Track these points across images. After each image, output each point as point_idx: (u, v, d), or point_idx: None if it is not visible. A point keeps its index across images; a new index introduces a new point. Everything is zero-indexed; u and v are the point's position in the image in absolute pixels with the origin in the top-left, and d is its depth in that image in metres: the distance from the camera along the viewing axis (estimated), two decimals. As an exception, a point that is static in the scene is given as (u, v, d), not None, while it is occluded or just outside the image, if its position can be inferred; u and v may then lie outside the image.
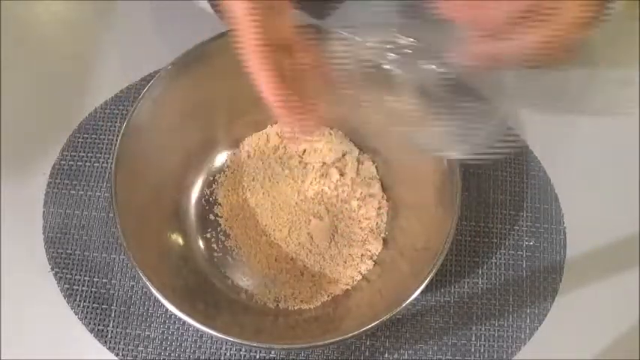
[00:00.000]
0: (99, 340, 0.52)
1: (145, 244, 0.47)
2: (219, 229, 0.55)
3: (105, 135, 0.59)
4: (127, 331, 0.52)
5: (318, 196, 0.55)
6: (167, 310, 0.44)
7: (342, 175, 0.55)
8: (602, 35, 0.40)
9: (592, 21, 0.34)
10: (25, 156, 0.59)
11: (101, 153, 0.58)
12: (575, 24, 0.34)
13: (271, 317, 0.51)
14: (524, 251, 0.55)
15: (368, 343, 0.52)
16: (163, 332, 0.52)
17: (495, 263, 0.55)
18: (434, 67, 0.40)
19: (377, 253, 0.53)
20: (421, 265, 0.46)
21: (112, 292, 0.54)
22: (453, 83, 0.39)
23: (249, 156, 0.57)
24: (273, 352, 0.52)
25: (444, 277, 0.54)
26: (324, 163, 0.55)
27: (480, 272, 0.54)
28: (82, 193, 0.57)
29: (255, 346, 0.50)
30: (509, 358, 0.52)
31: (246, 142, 0.57)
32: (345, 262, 0.53)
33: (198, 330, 0.48)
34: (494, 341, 0.52)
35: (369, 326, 0.43)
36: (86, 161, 0.58)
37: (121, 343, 0.52)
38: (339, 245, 0.53)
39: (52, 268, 0.54)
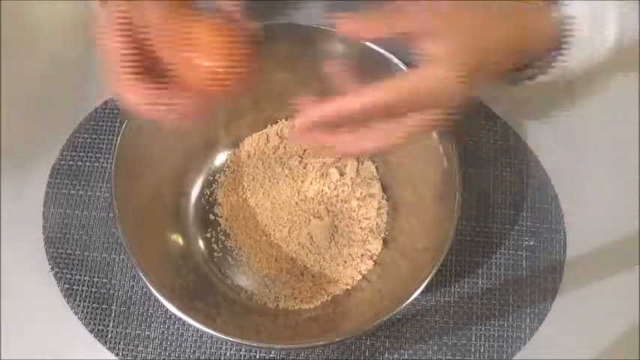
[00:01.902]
0: (99, 340, 0.52)
1: (145, 244, 0.47)
2: (219, 229, 0.55)
3: (105, 135, 0.59)
4: (127, 331, 0.52)
5: (318, 196, 0.55)
6: (167, 310, 0.44)
7: (342, 175, 0.55)
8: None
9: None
10: (25, 156, 0.59)
11: (101, 153, 0.58)
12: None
13: (271, 317, 0.51)
14: (524, 251, 0.55)
15: (368, 343, 0.52)
16: (163, 332, 0.52)
17: (495, 263, 0.55)
18: None
19: (377, 253, 0.53)
20: (421, 265, 0.46)
21: (112, 292, 0.54)
22: None
23: (249, 156, 0.57)
24: (273, 352, 0.52)
25: (444, 277, 0.54)
26: (323, 163, 0.55)
27: (480, 272, 0.54)
28: (82, 193, 0.57)
29: (255, 346, 0.50)
30: (509, 358, 0.52)
31: (246, 142, 0.57)
32: (345, 262, 0.53)
33: (198, 330, 0.48)
34: (494, 341, 0.52)
35: (369, 326, 0.43)
36: (86, 161, 0.58)
37: (121, 343, 0.52)
38: (339, 245, 0.53)
39: (52, 268, 0.54)
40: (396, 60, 0.49)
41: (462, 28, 0.34)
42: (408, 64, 0.49)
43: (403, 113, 0.34)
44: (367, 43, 0.49)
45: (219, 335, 0.42)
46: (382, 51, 0.49)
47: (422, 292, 0.43)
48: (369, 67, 0.50)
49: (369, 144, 0.35)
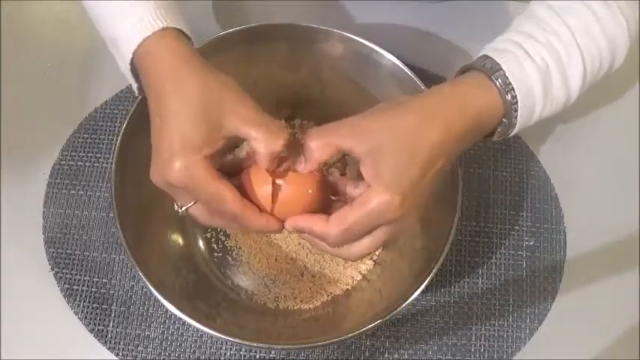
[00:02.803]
0: (99, 340, 0.52)
1: (145, 244, 0.47)
2: (219, 229, 0.55)
3: (105, 135, 0.59)
4: (127, 331, 0.52)
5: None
6: (167, 310, 0.44)
7: (342, 175, 0.55)
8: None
9: None
10: (25, 156, 0.59)
11: (101, 153, 0.58)
12: None
13: (271, 317, 0.51)
14: (524, 251, 0.55)
15: (368, 343, 0.52)
16: (163, 332, 0.52)
17: (495, 263, 0.55)
18: None
19: (377, 253, 0.53)
20: (421, 265, 0.46)
21: (112, 292, 0.54)
22: None
23: (249, 156, 0.57)
24: (273, 352, 0.51)
25: (444, 277, 0.54)
26: (324, 163, 0.55)
27: (480, 272, 0.54)
28: (82, 193, 0.57)
29: (255, 346, 0.50)
30: (509, 358, 0.52)
31: (246, 142, 0.57)
32: (345, 262, 0.53)
33: (198, 330, 0.48)
34: (494, 341, 0.52)
35: (369, 326, 0.43)
36: (86, 161, 0.58)
37: (121, 343, 0.52)
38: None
39: (52, 268, 0.54)
40: (393, 58, 0.49)
41: (393, 144, 0.36)
42: (407, 64, 0.49)
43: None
44: (366, 42, 0.49)
45: (219, 335, 0.42)
46: (380, 50, 0.49)
47: (422, 292, 0.43)
48: (368, 66, 0.50)
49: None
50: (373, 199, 0.35)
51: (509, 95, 0.38)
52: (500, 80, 0.38)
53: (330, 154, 0.37)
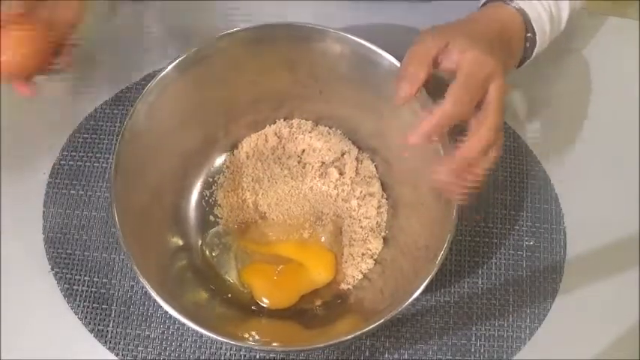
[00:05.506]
0: (99, 340, 0.52)
1: (145, 244, 0.47)
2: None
3: (105, 135, 0.59)
4: (127, 331, 0.52)
5: (318, 196, 0.55)
6: (167, 310, 0.44)
7: (341, 174, 0.55)
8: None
9: None
10: (25, 156, 0.59)
11: (101, 153, 0.58)
12: None
13: (271, 318, 0.51)
14: (524, 251, 0.55)
15: (368, 343, 0.52)
16: (163, 332, 0.52)
17: (495, 263, 0.55)
18: None
19: (377, 252, 0.53)
20: (422, 264, 0.46)
21: (112, 292, 0.54)
22: None
23: (247, 157, 0.57)
24: (273, 352, 0.51)
25: (444, 277, 0.54)
26: (323, 163, 0.55)
27: (480, 272, 0.54)
28: (82, 193, 0.57)
29: (255, 347, 0.50)
30: (509, 358, 0.52)
31: (244, 142, 0.57)
32: (346, 262, 0.53)
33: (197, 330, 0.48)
34: (494, 341, 0.52)
35: (370, 326, 0.43)
36: (86, 161, 0.58)
37: (121, 343, 0.52)
38: (340, 244, 0.53)
39: (52, 268, 0.54)
40: (391, 58, 0.49)
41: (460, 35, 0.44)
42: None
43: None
44: (364, 42, 0.49)
45: (217, 337, 0.42)
46: (378, 50, 0.49)
47: (422, 291, 0.43)
48: (366, 65, 0.50)
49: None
50: (466, 58, 0.41)
51: (524, 15, 0.48)
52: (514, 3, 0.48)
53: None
